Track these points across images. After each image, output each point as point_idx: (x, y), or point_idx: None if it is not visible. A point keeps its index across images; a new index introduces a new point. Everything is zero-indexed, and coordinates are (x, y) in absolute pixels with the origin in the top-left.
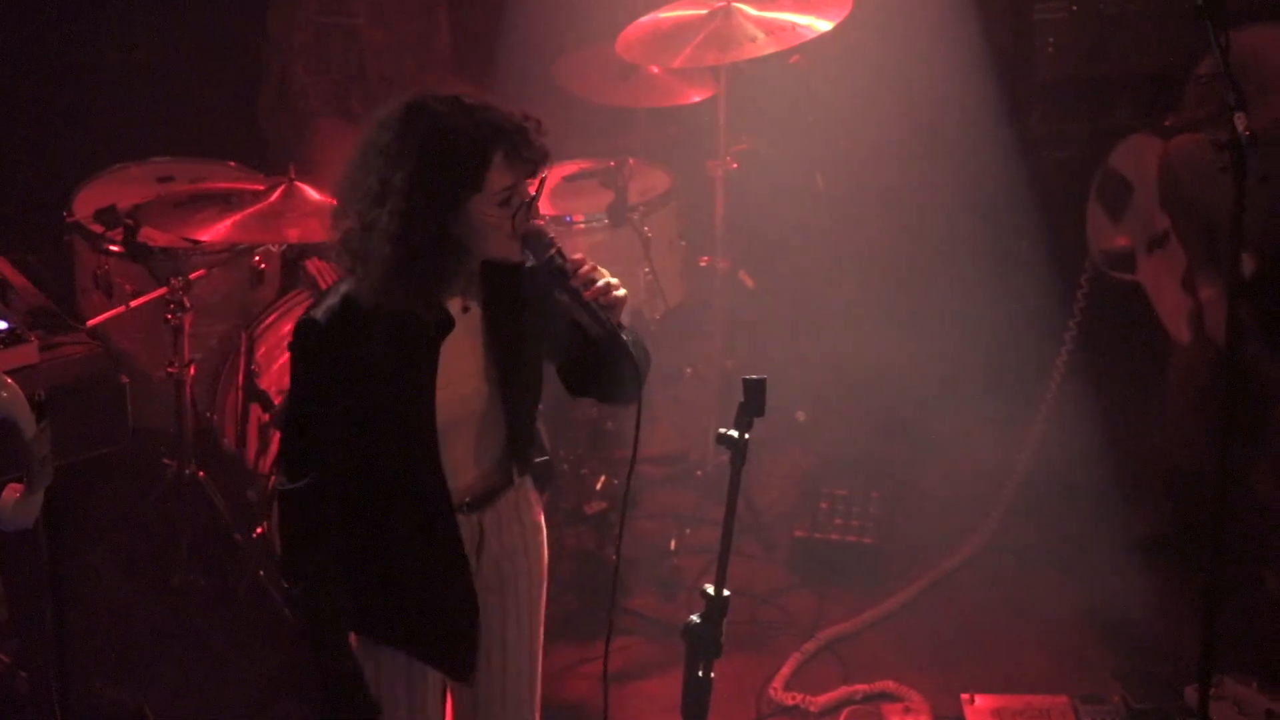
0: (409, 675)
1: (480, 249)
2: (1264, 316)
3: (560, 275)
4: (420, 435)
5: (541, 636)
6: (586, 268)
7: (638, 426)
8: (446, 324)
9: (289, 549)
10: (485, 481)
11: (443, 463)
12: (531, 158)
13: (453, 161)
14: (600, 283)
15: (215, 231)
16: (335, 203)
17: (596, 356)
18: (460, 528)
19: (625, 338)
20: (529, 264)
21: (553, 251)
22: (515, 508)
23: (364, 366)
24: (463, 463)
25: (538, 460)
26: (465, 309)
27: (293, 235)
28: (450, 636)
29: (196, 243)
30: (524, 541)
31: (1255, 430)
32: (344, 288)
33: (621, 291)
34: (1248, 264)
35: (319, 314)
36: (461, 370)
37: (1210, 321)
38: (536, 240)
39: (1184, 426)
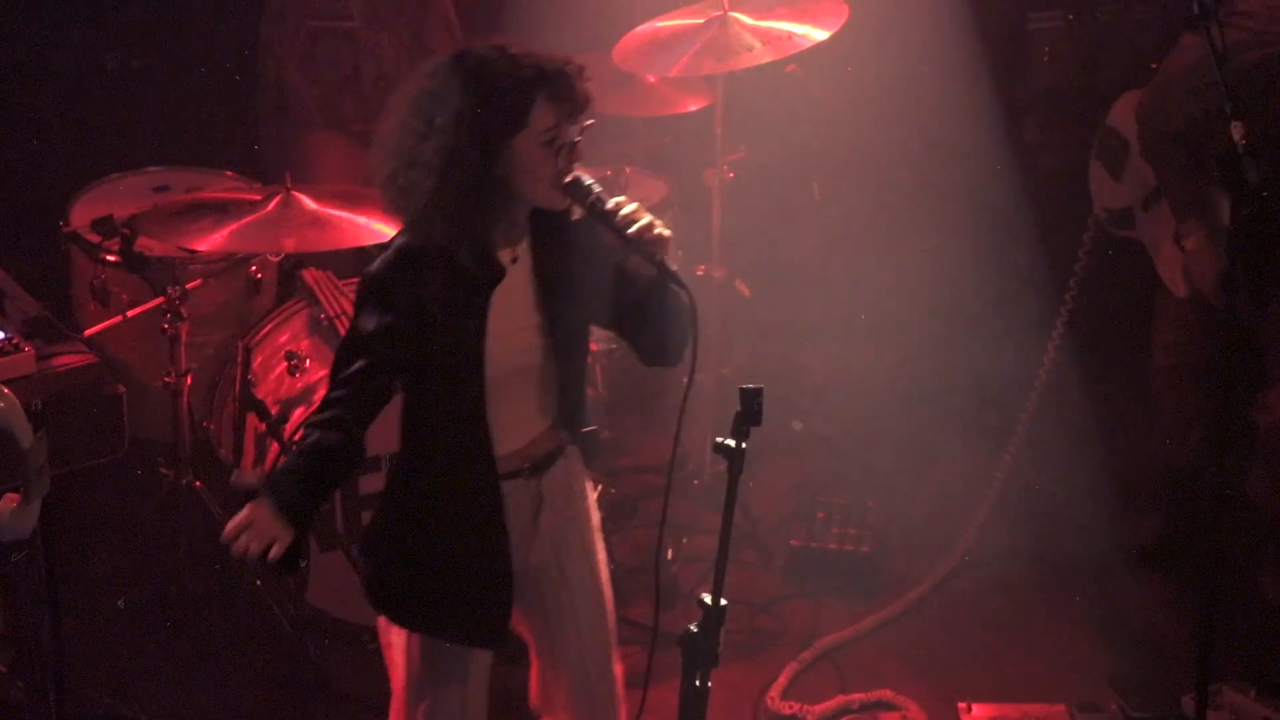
0: (463, 662)
1: (523, 192)
2: (1250, 266)
3: (604, 216)
4: (469, 387)
5: (610, 597)
6: (629, 208)
7: (684, 409)
8: (497, 273)
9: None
10: (544, 445)
11: (493, 420)
12: (573, 100)
13: (497, 99)
14: (644, 220)
15: (212, 241)
16: (377, 150)
17: (648, 300)
18: (519, 492)
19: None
20: (575, 216)
21: (594, 196)
22: (566, 475)
23: (418, 314)
24: (523, 421)
25: (584, 431)
26: (514, 259)
27: (289, 245)
28: (483, 603)
29: (193, 252)
30: (573, 510)
31: (1246, 432)
32: (397, 240)
33: (665, 231)
34: (1228, 207)
35: (374, 267)
36: (514, 322)
37: (1195, 272)
38: (577, 188)
39: (1168, 418)
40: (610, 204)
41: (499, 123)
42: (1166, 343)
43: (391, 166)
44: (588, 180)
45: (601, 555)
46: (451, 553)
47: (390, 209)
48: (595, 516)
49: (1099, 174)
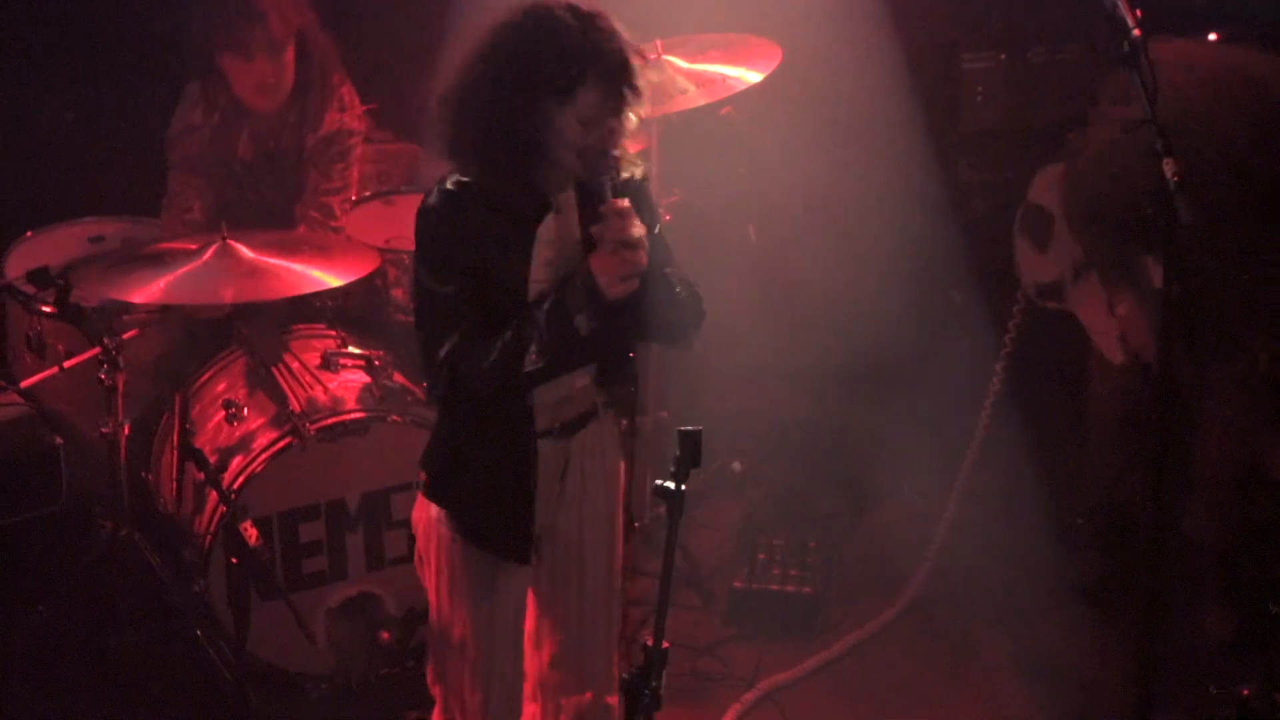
0: (493, 574)
1: (550, 149)
2: (1182, 325)
3: (591, 197)
4: (513, 315)
5: (621, 558)
6: (621, 215)
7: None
8: (541, 209)
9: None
10: (577, 405)
11: None
12: (624, 94)
13: (548, 66)
14: (620, 227)
15: (149, 293)
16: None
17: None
18: (549, 451)
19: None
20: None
21: (604, 177)
22: (600, 440)
23: (469, 245)
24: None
25: (622, 389)
26: (558, 210)
27: (228, 295)
28: (508, 520)
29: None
30: (602, 476)
31: (1181, 469)
32: (449, 178)
33: (633, 255)
34: (1158, 272)
35: (431, 202)
36: (557, 267)
37: (1131, 337)
38: (597, 160)
39: (1105, 463)
40: (607, 193)
41: (545, 89)
42: (1100, 394)
43: (447, 100)
44: (613, 162)
45: (620, 528)
46: (483, 484)
47: (442, 146)
48: (621, 493)
49: (1024, 250)
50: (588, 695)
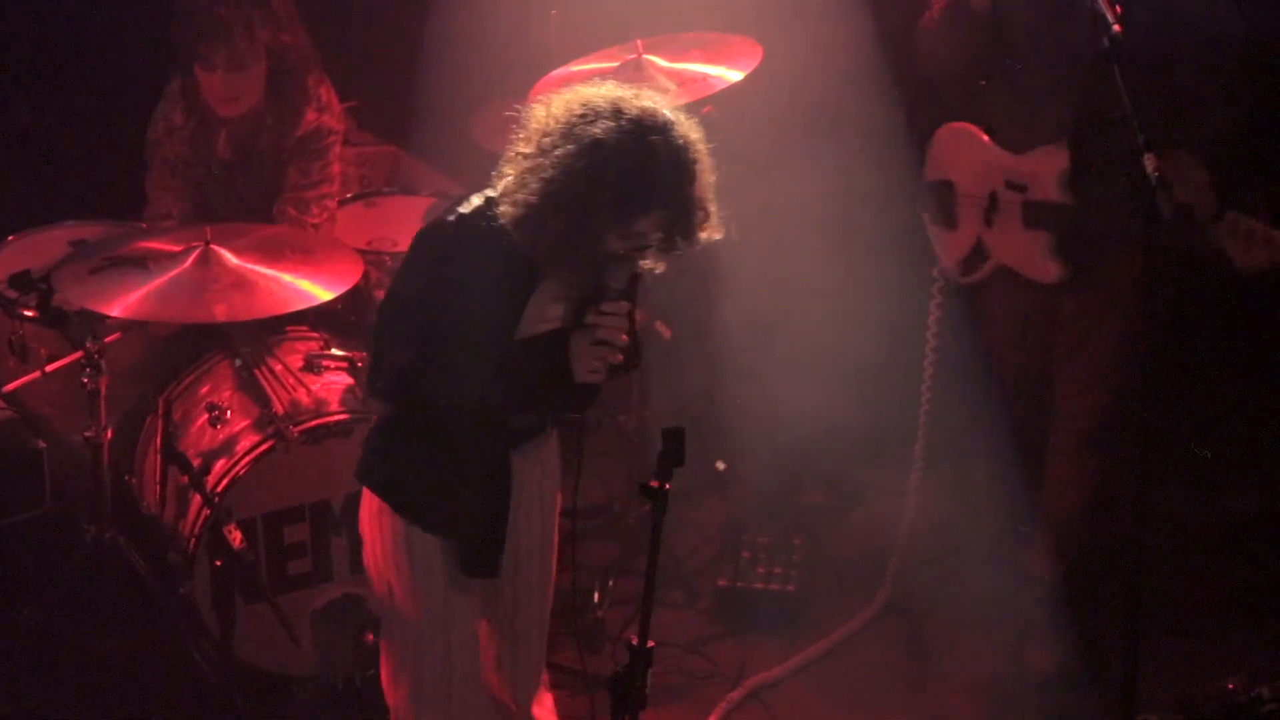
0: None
1: (589, 251)
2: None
3: (598, 293)
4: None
5: (555, 565)
6: (618, 317)
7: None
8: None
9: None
10: (524, 420)
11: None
12: (675, 237)
13: (621, 194)
14: (616, 328)
15: (135, 307)
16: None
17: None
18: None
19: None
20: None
21: (618, 276)
22: (540, 453)
23: (480, 279)
24: None
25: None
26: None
27: (221, 312)
28: (482, 539)
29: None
30: (540, 489)
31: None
32: (484, 204)
33: (617, 353)
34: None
35: (457, 221)
36: (540, 312)
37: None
38: (619, 263)
39: (1037, 468)
40: (611, 294)
41: (609, 222)
42: (1008, 404)
43: (518, 150)
44: (635, 271)
45: (556, 533)
46: (460, 485)
47: (496, 177)
48: (558, 500)
49: (939, 235)
50: (518, 703)
